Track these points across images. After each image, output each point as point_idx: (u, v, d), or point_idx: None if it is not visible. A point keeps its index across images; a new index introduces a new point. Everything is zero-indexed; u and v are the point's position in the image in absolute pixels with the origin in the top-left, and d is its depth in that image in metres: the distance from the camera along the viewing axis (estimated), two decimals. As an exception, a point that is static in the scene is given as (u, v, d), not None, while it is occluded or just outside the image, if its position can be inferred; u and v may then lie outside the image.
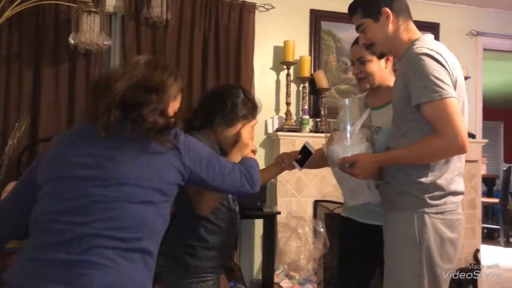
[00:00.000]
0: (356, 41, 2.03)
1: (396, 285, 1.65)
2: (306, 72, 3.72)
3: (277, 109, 3.81)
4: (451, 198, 1.63)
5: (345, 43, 3.89)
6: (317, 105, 3.87)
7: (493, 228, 6.55)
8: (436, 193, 1.61)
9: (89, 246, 1.17)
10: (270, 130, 3.75)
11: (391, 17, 1.69)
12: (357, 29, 1.79)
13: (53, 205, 1.24)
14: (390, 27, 1.70)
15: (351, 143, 1.66)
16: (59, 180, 1.26)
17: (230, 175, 1.45)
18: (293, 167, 1.97)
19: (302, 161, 1.91)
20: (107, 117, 1.26)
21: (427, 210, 1.60)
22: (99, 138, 1.27)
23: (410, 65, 1.60)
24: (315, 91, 3.83)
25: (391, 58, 2.03)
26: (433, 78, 1.52)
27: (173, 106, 1.39)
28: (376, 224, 1.92)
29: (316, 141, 3.13)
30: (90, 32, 2.87)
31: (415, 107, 1.57)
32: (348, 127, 1.67)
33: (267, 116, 3.75)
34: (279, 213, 3.46)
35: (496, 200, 6.49)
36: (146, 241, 1.25)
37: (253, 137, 1.74)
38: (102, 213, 1.20)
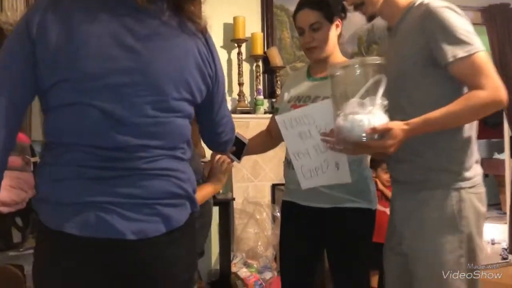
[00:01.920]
0: (301, 5, 1.81)
1: (436, 270, 1.47)
2: (259, 50, 3.53)
3: (229, 90, 3.61)
4: (477, 169, 1.50)
5: (298, 18, 3.70)
6: (272, 84, 3.69)
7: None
8: (467, 164, 1.47)
9: (139, 162, 1.05)
10: (223, 113, 3.56)
11: None
12: None
13: (84, 121, 1.02)
14: None
15: (375, 111, 1.35)
16: (88, 89, 1.01)
17: (228, 116, 1.35)
18: (231, 161, 1.80)
19: (238, 153, 1.82)
20: None
21: (463, 185, 1.46)
22: (123, 12, 1.04)
23: (431, 20, 1.42)
24: (269, 70, 3.65)
25: (340, 24, 1.84)
26: (465, 32, 1.39)
27: None
28: (321, 207, 1.77)
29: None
30: (12, 11, 2.59)
31: (443, 66, 1.40)
32: (363, 95, 1.36)
33: (220, 98, 3.55)
34: (234, 199, 3.30)
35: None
36: (188, 153, 1.19)
37: None
38: (147, 132, 1.05)
